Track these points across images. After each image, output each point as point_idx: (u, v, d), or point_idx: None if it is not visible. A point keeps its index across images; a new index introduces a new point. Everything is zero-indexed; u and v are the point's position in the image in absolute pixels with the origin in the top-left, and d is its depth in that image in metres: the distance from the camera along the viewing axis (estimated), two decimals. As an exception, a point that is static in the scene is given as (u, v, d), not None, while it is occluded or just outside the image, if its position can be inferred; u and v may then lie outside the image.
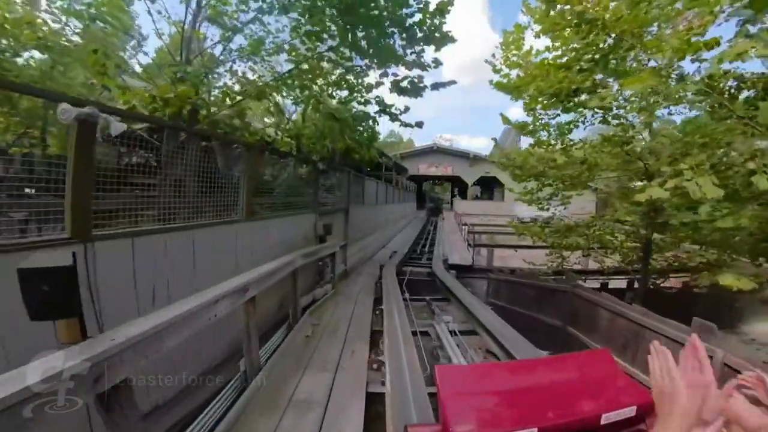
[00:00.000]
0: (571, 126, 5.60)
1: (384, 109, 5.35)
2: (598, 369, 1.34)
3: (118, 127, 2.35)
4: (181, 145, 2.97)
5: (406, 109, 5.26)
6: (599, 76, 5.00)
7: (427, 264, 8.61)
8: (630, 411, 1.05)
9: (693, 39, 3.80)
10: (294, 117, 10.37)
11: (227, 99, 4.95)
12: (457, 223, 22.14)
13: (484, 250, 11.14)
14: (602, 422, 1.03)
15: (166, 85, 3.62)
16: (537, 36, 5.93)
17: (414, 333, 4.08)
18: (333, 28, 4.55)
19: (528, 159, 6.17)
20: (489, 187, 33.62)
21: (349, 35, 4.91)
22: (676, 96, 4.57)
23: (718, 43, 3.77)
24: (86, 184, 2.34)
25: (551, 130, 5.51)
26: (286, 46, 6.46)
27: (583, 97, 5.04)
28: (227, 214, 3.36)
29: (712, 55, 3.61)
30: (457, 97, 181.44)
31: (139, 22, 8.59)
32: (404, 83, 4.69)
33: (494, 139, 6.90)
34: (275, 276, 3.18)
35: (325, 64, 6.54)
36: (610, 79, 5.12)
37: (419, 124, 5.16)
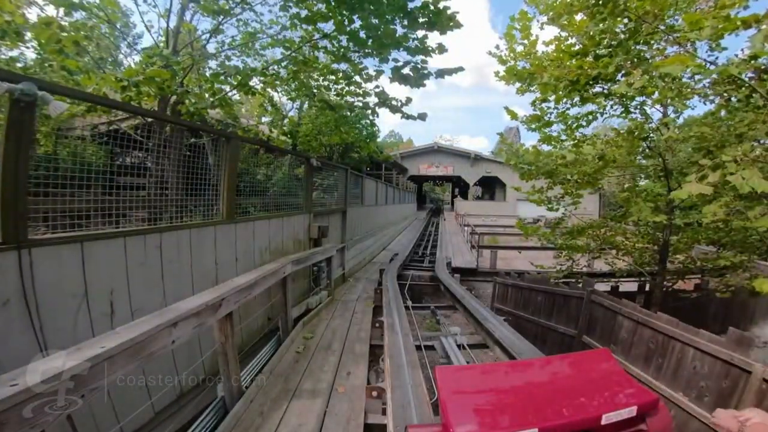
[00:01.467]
0: (590, 117, 5.15)
1: (384, 100, 4.91)
2: (598, 369, 1.32)
3: (56, 106, 1.91)
4: (146, 134, 2.53)
5: (408, 100, 4.82)
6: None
7: (430, 267, 8.16)
8: (630, 411, 1.04)
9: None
10: (291, 114, 10.00)
11: (211, 87, 4.51)
12: (458, 224, 21.72)
13: (487, 252, 10.74)
14: (603, 422, 1.02)
15: (132, 68, 3.17)
16: (542, 27, 5.54)
17: (418, 347, 3.64)
18: (324, 8, 4.11)
19: (539, 155, 5.73)
20: (490, 187, 33.22)
21: (346, 20, 4.48)
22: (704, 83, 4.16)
23: (758, 20, 3.32)
24: (18, 176, 1.90)
25: (569, 122, 5.05)
26: (280, 37, 6.05)
27: (599, 87, 4.62)
28: (203, 215, 2.93)
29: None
30: (456, 99, 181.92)
31: (134, 20, 8.17)
32: (406, 69, 4.25)
33: (500, 134, 6.46)
34: (258, 287, 2.74)
35: (321, 56, 6.13)
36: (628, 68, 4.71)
37: (422, 116, 4.72)
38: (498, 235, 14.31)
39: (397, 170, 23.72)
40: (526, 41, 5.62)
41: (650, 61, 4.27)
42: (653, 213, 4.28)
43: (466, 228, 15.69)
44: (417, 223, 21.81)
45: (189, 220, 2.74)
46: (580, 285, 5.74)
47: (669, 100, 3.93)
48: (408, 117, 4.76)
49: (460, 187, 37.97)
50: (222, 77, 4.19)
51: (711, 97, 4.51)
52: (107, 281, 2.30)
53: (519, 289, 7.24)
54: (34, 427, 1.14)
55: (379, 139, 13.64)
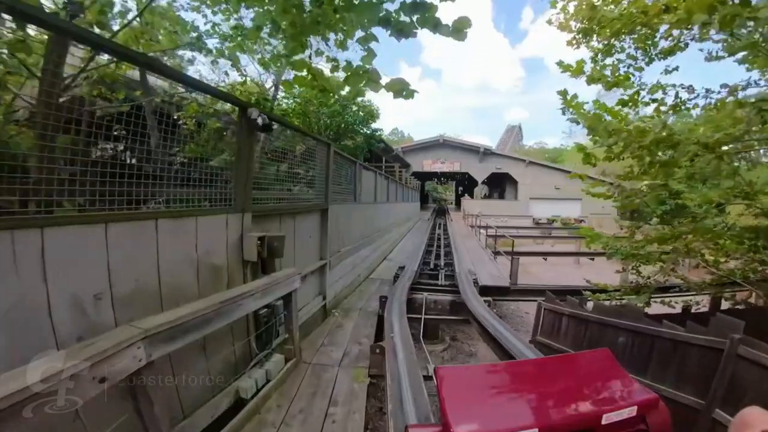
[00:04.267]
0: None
1: (387, 17, 2.74)
2: (599, 369, 1.30)
3: None
4: None
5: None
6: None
7: (449, 287, 5.94)
8: (631, 411, 1.04)
9: None
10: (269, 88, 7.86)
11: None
12: (467, 226, 19.47)
13: (501, 257, 8.84)
14: (603, 422, 1.01)
15: None
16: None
17: None
18: None
19: (642, 120, 3.60)
20: (499, 184, 30.96)
21: None
22: None
23: None
24: None
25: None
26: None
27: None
28: None
29: None
30: (459, 99, 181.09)
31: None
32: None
33: (561, 91, 4.20)
34: None
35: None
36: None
37: (460, 32, 2.54)
38: (518, 237, 12.13)
39: (400, 164, 21.50)
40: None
41: None
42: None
43: (480, 231, 13.49)
44: (422, 224, 19.56)
45: None
46: (709, 326, 3.56)
47: None
48: (436, 28, 2.56)
49: (464, 185, 35.70)
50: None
51: None
52: None
53: (582, 321, 5.02)
54: None
55: (379, 115, 11.34)
